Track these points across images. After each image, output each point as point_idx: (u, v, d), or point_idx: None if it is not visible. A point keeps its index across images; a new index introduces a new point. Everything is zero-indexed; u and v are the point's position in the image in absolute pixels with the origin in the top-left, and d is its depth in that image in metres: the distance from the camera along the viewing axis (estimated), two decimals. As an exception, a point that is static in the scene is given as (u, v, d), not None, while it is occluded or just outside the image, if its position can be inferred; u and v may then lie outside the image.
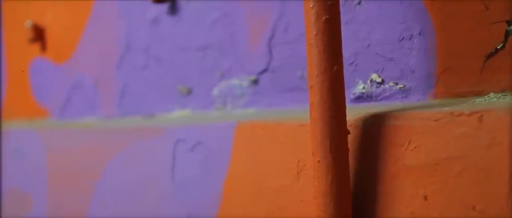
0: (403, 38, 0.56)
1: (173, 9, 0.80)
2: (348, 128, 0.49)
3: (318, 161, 0.47)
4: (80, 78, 0.97)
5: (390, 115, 0.49)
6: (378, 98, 0.58)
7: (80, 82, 0.97)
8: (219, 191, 0.62)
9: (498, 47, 0.49)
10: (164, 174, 0.69)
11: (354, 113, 0.52)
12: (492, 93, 0.49)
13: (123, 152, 0.77)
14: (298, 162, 0.54)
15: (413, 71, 0.55)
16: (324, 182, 0.47)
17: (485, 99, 0.48)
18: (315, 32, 0.47)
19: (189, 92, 0.78)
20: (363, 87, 0.59)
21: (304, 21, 0.64)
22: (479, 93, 0.50)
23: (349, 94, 0.59)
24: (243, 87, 0.71)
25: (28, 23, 1.04)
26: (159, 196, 0.70)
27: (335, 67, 0.47)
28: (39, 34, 1.05)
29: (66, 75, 0.99)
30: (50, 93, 1.04)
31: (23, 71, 1.10)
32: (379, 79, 0.58)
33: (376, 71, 0.58)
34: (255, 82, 0.70)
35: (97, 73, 0.93)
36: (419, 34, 0.54)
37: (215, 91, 0.75)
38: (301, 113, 0.60)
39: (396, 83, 0.57)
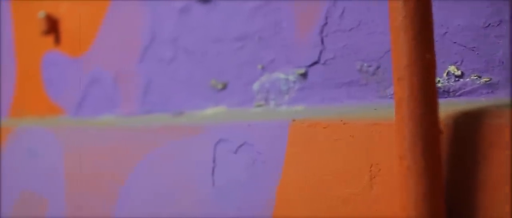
0: (489, 25, 0.48)
1: (206, -4, 0.72)
2: (437, 127, 0.42)
3: (408, 167, 0.40)
4: (98, 73, 0.89)
5: (489, 112, 0.42)
6: (457, 93, 0.51)
7: (98, 77, 0.89)
8: (270, 198, 0.55)
9: None
10: (202, 177, 0.62)
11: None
12: None
13: (153, 152, 0.70)
14: (371, 166, 0.47)
15: (502, 63, 0.48)
16: (414, 191, 0.40)
17: None
18: (403, 15, 0.40)
19: (224, 87, 0.71)
20: (439, 81, 0.52)
21: (365, 6, 0.57)
22: None
23: (422, 89, 0.52)
24: (289, 82, 0.64)
25: (41, 14, 0.97)
26: (197, 202, 0.62)
27: (427, 56, 0.40)
28: (52, 26, 0.98)
29: (83, 69, 0.92)
30: (64, 90, 0.96)
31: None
32: (458, 72, 0.50)
33: (454, 63, 0.51)
34: (304, 76, 0.63)
35: (117, 67, 0.86)
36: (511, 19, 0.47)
37: (255, 86, 0.68)
38: (364, 110, 0.53)
39: (479, 77, 0.49)
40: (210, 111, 0.72)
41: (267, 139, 0.56)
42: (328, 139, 0.51)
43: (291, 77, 0.64)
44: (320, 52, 0.61)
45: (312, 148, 0.52)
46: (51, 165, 0.89)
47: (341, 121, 0.50)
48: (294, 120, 0.55)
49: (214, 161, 0.61)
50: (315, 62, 0.61)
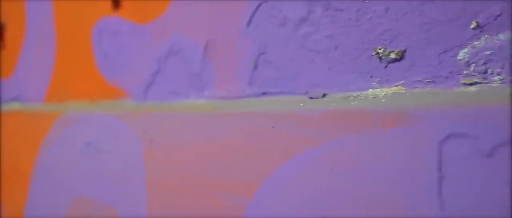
0: None
1: None
2: None
3: None
4: (178, 43, 0.67)
5: None
6: None
7: (179, 49, 0.67)
8: None
9: None
10: (418, 194, 0.40)
11: None
12: None
13: (306, 153, 0.48)
14: None
15: None
16: None
17: None
18: None
19: (400, 57, 0.49)
20: None
21: None
22: None
23: None
24: (532, 46, 0.42)
25: (96, -32, 0.74)
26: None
27: None
28: (110, -17, 0.76)
29: (155, 39, 0.70)
30: (127, 66, 0.74)
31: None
32: None
33: None
34: None
35: (209, 34, 0.63)
36: None
37: (462, 54, 0.45)
38: None
39: None
40: (378, 91, 0.50)
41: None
42: None
43: (538, 39, 0.42)
44: None
45: None
46: (124, 165, 0.67)
47: None
48: None
49: (440, 169, 0.39)
50: None
